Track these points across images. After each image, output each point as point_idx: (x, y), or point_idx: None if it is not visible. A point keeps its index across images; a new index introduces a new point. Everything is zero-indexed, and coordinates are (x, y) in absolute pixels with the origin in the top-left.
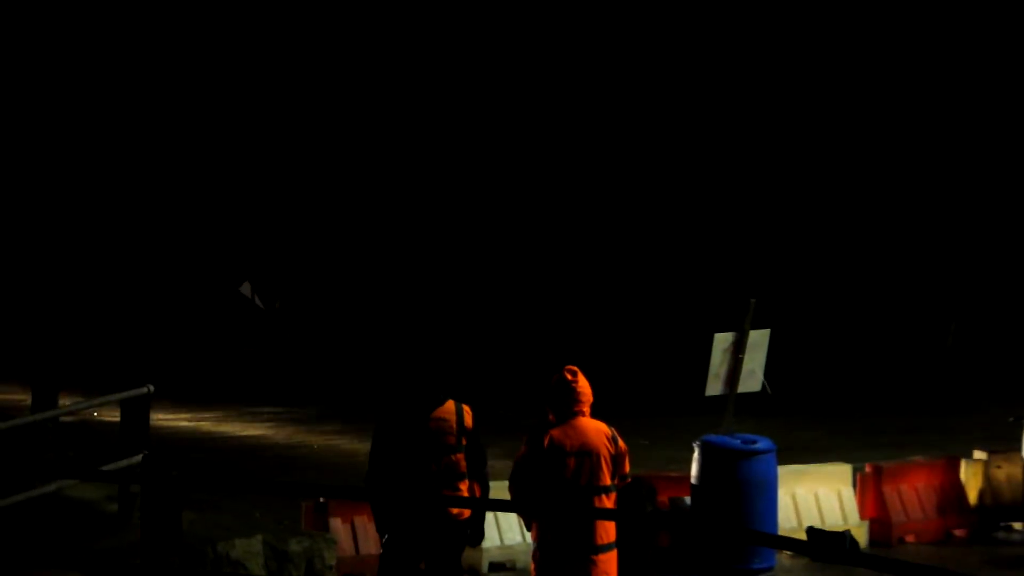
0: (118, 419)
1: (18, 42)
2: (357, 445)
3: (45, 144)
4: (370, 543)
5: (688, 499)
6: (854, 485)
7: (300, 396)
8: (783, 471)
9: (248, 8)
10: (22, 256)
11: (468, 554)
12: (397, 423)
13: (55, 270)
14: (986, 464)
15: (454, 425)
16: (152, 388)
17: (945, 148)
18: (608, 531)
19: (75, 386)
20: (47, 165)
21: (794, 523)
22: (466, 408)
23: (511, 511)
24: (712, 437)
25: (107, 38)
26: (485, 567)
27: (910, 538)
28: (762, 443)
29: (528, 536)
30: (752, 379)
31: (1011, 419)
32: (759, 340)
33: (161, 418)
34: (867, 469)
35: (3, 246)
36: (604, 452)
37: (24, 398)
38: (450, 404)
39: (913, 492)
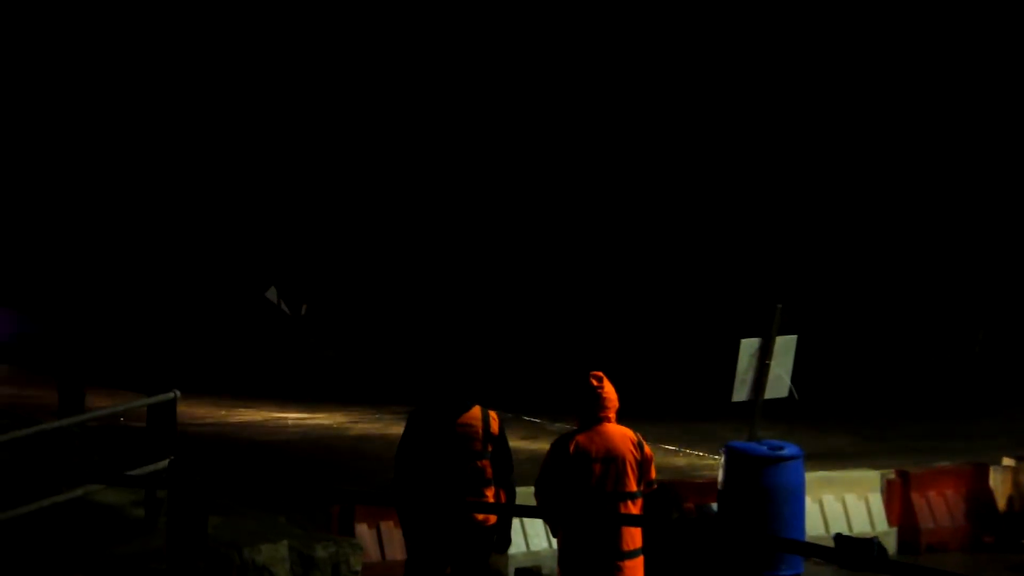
0: (144, 424)
1: (41, 46)
2: (383, 449)
3: (72, 148)
4: (396, 548)
5: (714, 505)
6: (882, 492)
7: (326, 401)
8: (810, 478)
9: (273, 14)
10: (53, 261)
11: (494, 560)
12: (424, 429)
13: (84, 275)
14: (1015, 471)
15: (480, 431)
16: (178, 393)
17: (974, 155)
18: (634, 537)
19: (102, 389)
20: (75, 170)
21: (821, 530)
22: (492, 414)
23: (537, 517)
24: (739, 443)
25: (128, 42)
26: (511, 573)
27: (938, 545)
28: (789, 449)
29: (554, 542)
30: (779, 385)
31: None
32: (786, 346)
33: (186, 423)
34: (895, 476)
35: (34, 252)
36: (630, 458)
37: (53, 401)
38: (476, 410)
39: (941, 499)
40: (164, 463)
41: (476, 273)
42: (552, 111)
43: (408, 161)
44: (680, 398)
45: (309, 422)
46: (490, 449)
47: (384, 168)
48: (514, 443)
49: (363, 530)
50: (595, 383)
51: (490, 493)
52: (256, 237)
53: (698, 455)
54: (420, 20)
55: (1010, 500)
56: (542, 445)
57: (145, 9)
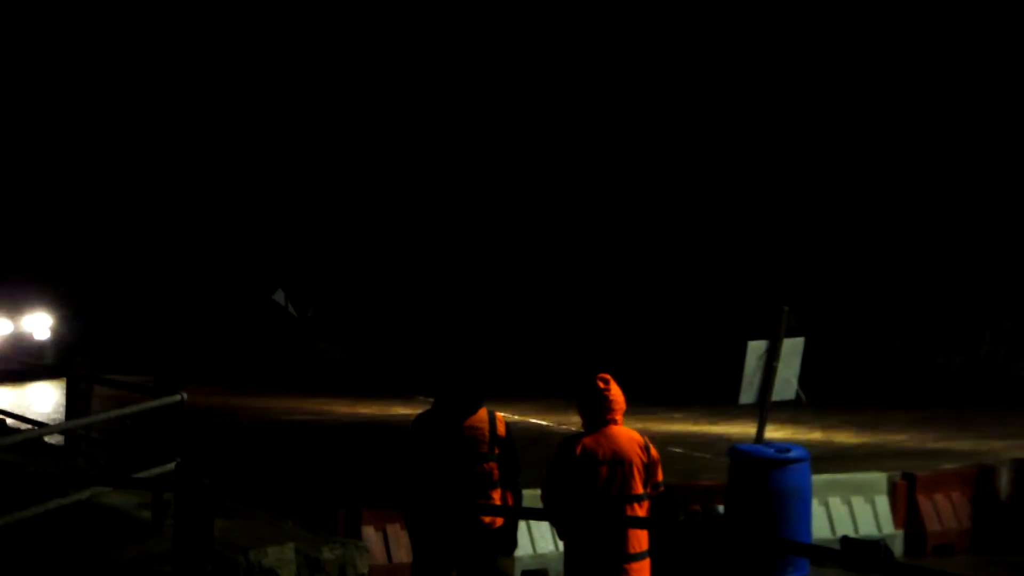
0: (152, 425)
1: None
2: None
3: (81, 151)
4: (402, 551)
5: (721, 508)
6: (888, 494)
7: (334, 402)
8: (817, 480)
9: (280, 21)
10: (65, 266)
11: (500, 562)
12: (430, 431)
13: (95, 279)
14: (1021, 473)
15: (487, 433)
16: (186, 396)
17: (981, 156)
18: (641, 540)
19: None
20: (85, 173)
21: (828, 533)
22: (499, 416)
23: (543, 519)
24: (745, 446)
25: (143, 46)
26: (518, 575)
27: (945, 547)
28: (796, 451)
29: (561, 544)
30: (787, 387)
31: None
32: (793, 348)
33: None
34: (901, 478)
35: (48, 256)
36: (636, 461)
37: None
38: (483, 412)
39: (947, 501)
40: (171, 466)
41: (483, 276)
42: (560, 112)
43: (414, 165)
44: (687, 400)
45: (314, 423)
46: (496, 451)
47: (390, 172)
48: (520, 445)
49: (369, 532)
50: (602, 385)
51: (496, 495)
52: (264, 241)
53: (705, 457)
54: (423, 21)
55: (1017, 502)
56: (549, 447)
57: (153, 12)
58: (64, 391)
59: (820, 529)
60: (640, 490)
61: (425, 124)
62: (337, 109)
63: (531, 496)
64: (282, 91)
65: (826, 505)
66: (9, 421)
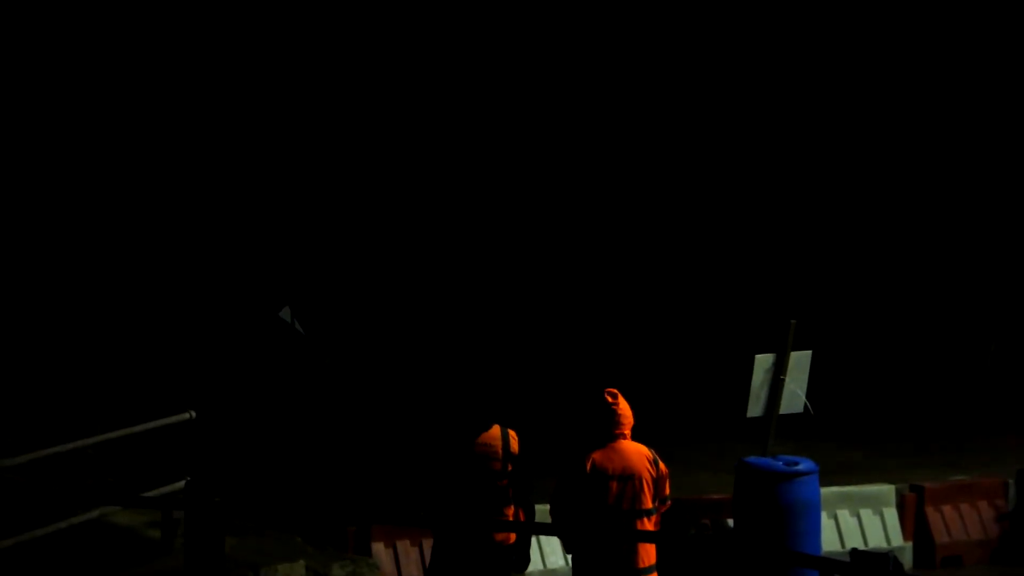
0: (160, 444)
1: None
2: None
3: (85, 157)
4: (412, 568)
5: (730, 522)
6: (897, 506)
7: (345, 420)
8: (826, 493)
9: (295, 41)
10: (67, 281)
11: None
12: (444, 449)
13: (100, 293)
14: None
15: (500, 451)
16: (194, 414)
17: (985, 167)
18: (650, 554)
19: (119, 409)
20: (89, 185)
21: (837, 545)
22: (512, 433)
23: (553, 535)
24: (753, 459)
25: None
26: None
27: (953, 559)
28: (804, 464)
29: (571, 559)
30: (794, 400)
31: None
32: (800, 361)
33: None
34: (909, 490)
35: (51, 271)
36: (646, 475)
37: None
38: (496, 429)
39: (956, 513)
40: (180, 484)
41: (491, 292)
42: (561, 125)
43: (415, 177)
44: (695, 414)
45: (320, 439)
46: (510, 468)
47: (391, 182)
48: (530, 460)
49: (379, 549)
50: (610, 400)
51: (510, 513)
52: (270, 257)
53: (713, 471)
54: (429, 26)
55: None
56: (557, 462)
57: (170, 19)
58: None
59: (829, 542)
60: (650, 504)
61: (429, 133)
62: (341, 122)
63: (541, 511)
64: (291, 105)
65: (835, 518)
66: None
